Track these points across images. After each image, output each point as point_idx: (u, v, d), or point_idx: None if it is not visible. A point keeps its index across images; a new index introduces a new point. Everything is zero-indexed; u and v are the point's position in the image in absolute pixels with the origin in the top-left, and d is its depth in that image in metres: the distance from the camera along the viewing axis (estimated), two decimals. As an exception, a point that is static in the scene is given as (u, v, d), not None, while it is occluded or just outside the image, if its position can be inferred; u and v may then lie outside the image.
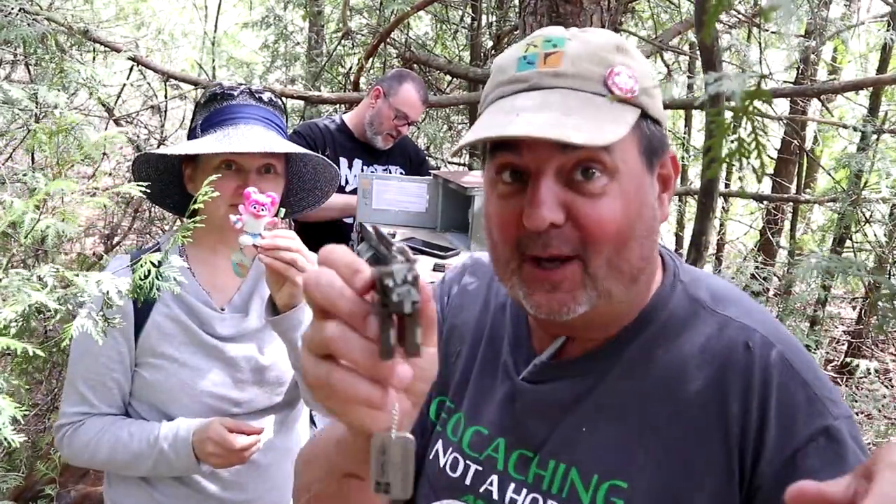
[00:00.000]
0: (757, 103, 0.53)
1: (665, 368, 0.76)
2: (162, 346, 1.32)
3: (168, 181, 1.43)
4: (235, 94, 1.37)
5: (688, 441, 0.72)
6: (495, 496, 0.80)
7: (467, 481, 0.82)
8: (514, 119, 0.70)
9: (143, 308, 1.33)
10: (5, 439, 0.87)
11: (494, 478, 0.81)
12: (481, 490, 0.81)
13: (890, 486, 0.41)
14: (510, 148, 0.72)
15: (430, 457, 0.87)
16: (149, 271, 1.02)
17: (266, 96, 1.40)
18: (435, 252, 2.19)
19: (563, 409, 0.79)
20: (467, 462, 0.83)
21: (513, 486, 0.79)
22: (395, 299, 0.48)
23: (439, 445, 0.86)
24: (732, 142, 0.58)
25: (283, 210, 1.23)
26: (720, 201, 4.93)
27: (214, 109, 1.36)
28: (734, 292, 0.82)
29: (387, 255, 0.53)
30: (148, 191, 1.22)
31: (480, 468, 0.82)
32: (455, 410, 0.87)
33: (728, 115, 0.57)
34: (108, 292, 0.95)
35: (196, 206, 1.13)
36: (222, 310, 1.38)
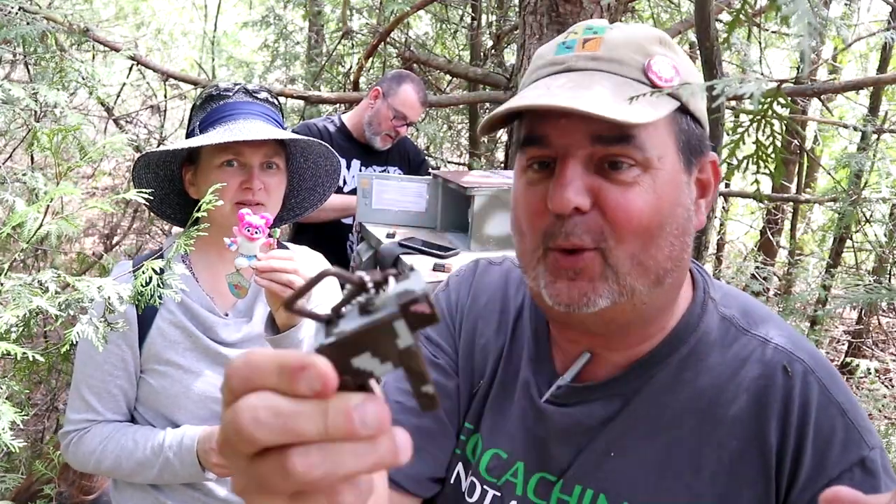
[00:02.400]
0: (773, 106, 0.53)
1: (697, 392, 0.72)
2: (167, 353, 1.32)
3: (168, 188, 1.41)
4: (231, 93, 1.36)
5: (722, 467, 0.69)
6: None
7: None
8: (545, 93, 0.67)
9: (146, 315, 1.32)
10: (4, 444, 0.86)
11: (514, 503, 0.77)
12: None
13: None
14: (540, 142, 0.70)
15: (452, 481, 0.83)
16: (150, 278, 1.01)
17: (262, 94, 1.39)
18: (434, 252, 2.19)
19: (590, 432, 0.75)
20: (485, 487, 0.80)
21: None
22: (413, 346, 0.37)
23: (460, 468, 0.83)
24: (754, 142, 0.57)
25: (277, 230, 1.22)
26: (720, 201, 4.92)
27: (212, 109, 1.36)
28: (764, 310, 0.79)
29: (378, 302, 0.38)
30: (150, 198, 1.21)
31: (498, 494, 0.78)
32: (473, 432, 0.83)
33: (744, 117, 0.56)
34: (109, 298, 0.94)
35: (200, 214, 1.12)
36: (226, 315, 1.38)
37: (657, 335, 0.75)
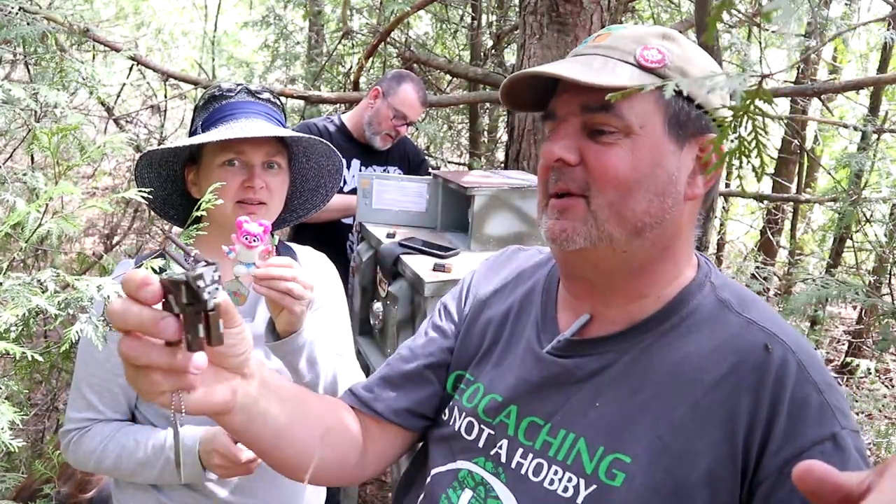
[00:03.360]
0: (758, 103, 0.53)
1: (683, 357, 0.79)
2: None
3: (171, 189, 1.41)
4: (234, 93, 1.36)
5: (694, 426, 0.75)
6: (503, 459, 0.85)
7: (480, 444, 0.88)
8: (537, 69, 0.80)
9: None
10: (3, 443, 0.86)
11: (504, 442, 0.86)
12: (492, 453, 0.87)
13: (892, 493, 0.42)
14: (551, 115, 0.84)
15: (445, 419, 0.95)
16: None
17: (265, 95, 1.39)
18: (435, 252, 2.19)
19: (580, 382, 0.83)
20: (481, 426, 0.89)
21: (520, 451, 0.85)
22: (205, 297, 0.61)
23: (456, 412, 0.94)
24: (732, 141, 0.58)
25: (276, 237, 1.21)
26: (720, 201, 4.92)
27: (214, 108, 1.35)
28: (760, 301, 0.85)
29: (192, 265, 0.63)
30: (150, 197, 1.20)
31: (493, 432, 0.88)
32: (473, 382, 0.94)
33: (728, 113, 0.57)
34: (108, 297, 0.94)
35: (199, 214, 1.12)
36: None
37: (652, 304, 0.84)
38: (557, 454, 0.81)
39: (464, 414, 0.92)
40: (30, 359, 0.90)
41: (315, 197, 1.55)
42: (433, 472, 0.92)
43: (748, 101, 0.51)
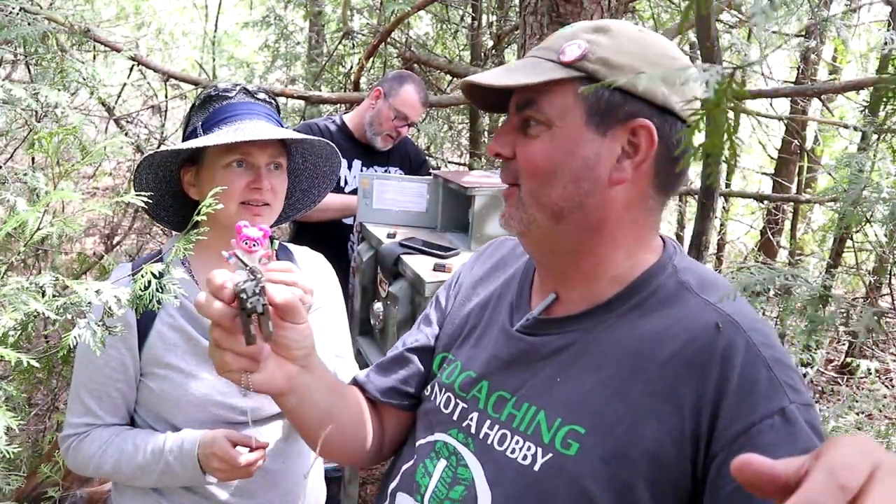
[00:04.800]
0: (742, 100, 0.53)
1: (641, 335, 0.84)
2: (167, 357, 1.31)
3: (164, 189, 1.39)
4: (232, 93, 1.36)
5: (646, 401, 0.80)
6: (473, 430, 0.92)
7: (455, 417, 0.96)
8: (481, 77, 0.89)
9: (146, 319, 1.31)
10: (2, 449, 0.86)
11: (475, 415, 0.93)
12: (464, 424, 0.94)
13: (817, 488, 0.42)
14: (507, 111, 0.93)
15: (428, 394, 1.04)
16: (149, 282, 1.00)
17: (260, 95, 1.39)
18: (435, 252, 2.19)
19: (545, 359, 0.90)
20: (457, 401, 0.97)
21: (488, 422, 0.91)
22: (248, 307, 0.79)
23: (436, 388, 1.02)
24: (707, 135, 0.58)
25: (276, 241, 1.21)
26: (720, 201, 4.92)
27: (214, 109, 1.34)
28: (723, 283, 0.88)
29: (246, 278, 0.81)
30: (149, 201, 1.19)
31: (466, 406, 0.95)
32: (453, 361, 1.02)
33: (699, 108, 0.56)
34: (107, 302, 0.94)
35: (200, 218, 1.11)
36: None
37: (613, 285, 0.89)
38: (520, 426, 0.87)
39: (443, 390, 1.00)
40: (25, 364, 0.90)
41: (307, 197, 1.54)
42: (417, 444, 1.00)
43: (721, 96, 0.51)
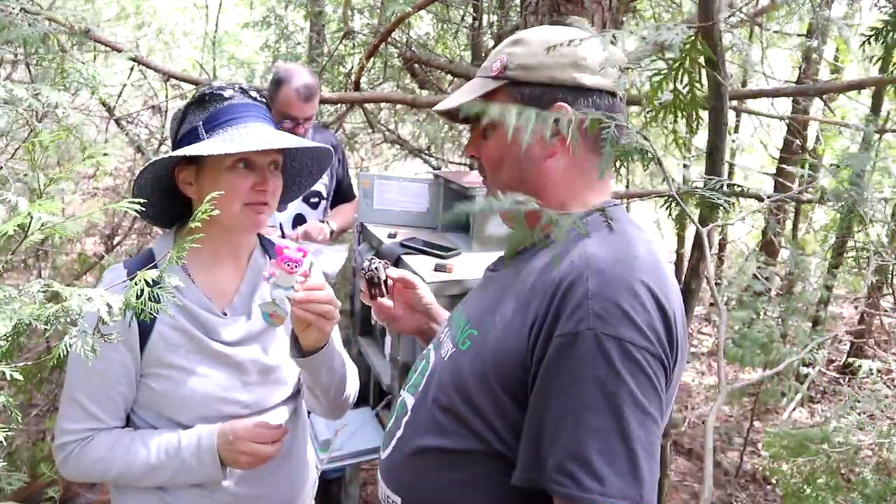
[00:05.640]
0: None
1: (532, 269, 1.04)
2: (169, 357, 1.31)
3: (153, 187, 1.37)
4: (231, 94, 1.35)
5: (513, 316, 1.00)
6: (440, 339, 1.20)
7: (439, 335, 1.24)
8: (445, 101, 1.18)
9: (146, 320, 1.31)
10: (4, 441, 0.85)
11: (446, 330, 1.20)
12: (439, 339, 1.21)
13: None
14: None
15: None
16: (142, 290, 0.98)
17: (253, 94, 1.40)
18: (436, 252, 2.19)
19: (492, 283, 1.16)
20: (444, 326, 1.23)
21: (447, 331, 1.18)
22: (377, 281, 1.39)
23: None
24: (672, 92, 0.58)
25: (311, 262, 1.28)
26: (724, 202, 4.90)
27: (215, 109, 1.34)
28: (623, 243, 1.01)
29: (370, 263, 1.37)
30: (143, 210, 1.18)
31: (447, 326, 1.21)
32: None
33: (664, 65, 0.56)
34: (99, 310, 0.92)
35: (195, 224, 1.08)
36: (224, 314, 1.38)
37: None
38: (455, 331, 1.13)
39: (445, 324, 1.26)
40: (9, 377, 0.88)
41: (288, 193, 1.54)
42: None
43: (686, 51, 0.51)
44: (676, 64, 0.53)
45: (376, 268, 1.36)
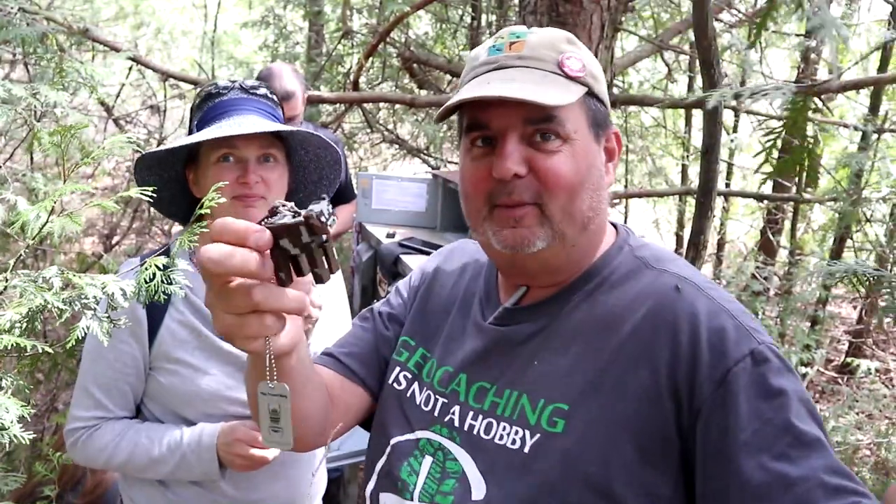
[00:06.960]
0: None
1: (606, 309, 0.88)
2: (176, 352, 1.33)
3: (175, 189, 1.40)
4: (228, 91, 1.35)
5: (620, 366, 0.83)
6: (457, 423, 0.93)
7: (436, 413, 0.96)
8: (487, 87, 0.85)
9: (156, 314, 1.33)
10: (14, 436, 0.87)
11: (457, 408, 0.94)
12: (446, 420, 0.94)
13: None
14: (482, 127, 0.88)
15: (408, 395, 1.02)
16: (154, 274, 1.01)
17: (260, 90, 1.38)
18: (434, 252, 2.19)
19: (519, 345, 0.92)
20: (437, 397, 0.97)
21: (471, 413, 0.92)
22: (329, 227, 0.66)
23: (416, 386, 1.02)
24: (778, 149, 0.58)
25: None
26: (720, 200, 4.92)
27: (208, 108, 1.35)
28: (678, 259, 0.94)
29: (296, 211, 0.67)
30: (154, 196, 1.20)
31: (446, 401, 0.96)
32: (430, 358, 1.03)
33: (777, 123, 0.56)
34: (112, 294, 0.94)
35: (202, 211, 1.11)
36: None
37: (574, 270, 0.93)
38: (504, 412, 0.89)
39: (424, 388, 1.00)
40: (40, 351, 0.90)
41: (319, 189, 1.53)
42: (394, 441, 0.99)
43: (795, 110, 0.51)
44: (791, 122, 0.54)
45: (329, 216, 0.68)
